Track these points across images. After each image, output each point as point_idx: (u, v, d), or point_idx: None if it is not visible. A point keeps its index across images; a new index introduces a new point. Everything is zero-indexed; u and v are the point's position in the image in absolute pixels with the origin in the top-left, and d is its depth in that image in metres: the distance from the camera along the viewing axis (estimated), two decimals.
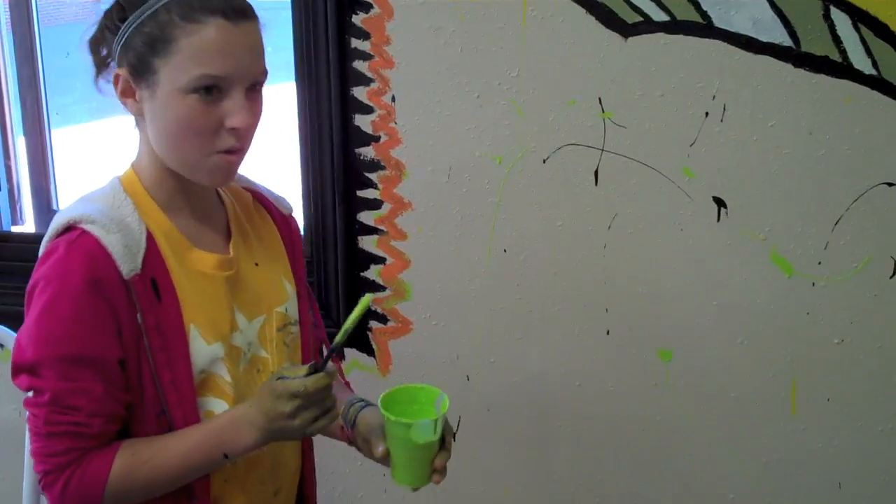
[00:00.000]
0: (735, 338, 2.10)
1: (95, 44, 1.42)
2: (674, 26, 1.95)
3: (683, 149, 2.01)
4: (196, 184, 1.43)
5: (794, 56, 1.91)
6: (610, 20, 1.97)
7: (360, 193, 2.19)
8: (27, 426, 1.37)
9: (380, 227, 2.20)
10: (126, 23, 1.34)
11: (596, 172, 2.07)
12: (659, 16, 1.95)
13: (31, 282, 1.35)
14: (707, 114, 1.98)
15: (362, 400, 1.57)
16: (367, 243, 2.22)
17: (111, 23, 1.37)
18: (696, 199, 2.04)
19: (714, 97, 1.97)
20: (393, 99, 2.11)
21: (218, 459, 1.39)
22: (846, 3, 1.86)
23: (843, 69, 1.90)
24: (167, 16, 1.33)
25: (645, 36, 1.97)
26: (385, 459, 1.46)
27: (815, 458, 2.14)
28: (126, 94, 1.37)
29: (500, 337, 2.22)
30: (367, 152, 2.16)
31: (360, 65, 2.11)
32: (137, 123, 1.42)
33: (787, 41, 1.90)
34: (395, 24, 2.07)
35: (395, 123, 2.13)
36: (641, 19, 1.96)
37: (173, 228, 1.43)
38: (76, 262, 1.32)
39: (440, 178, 2.14)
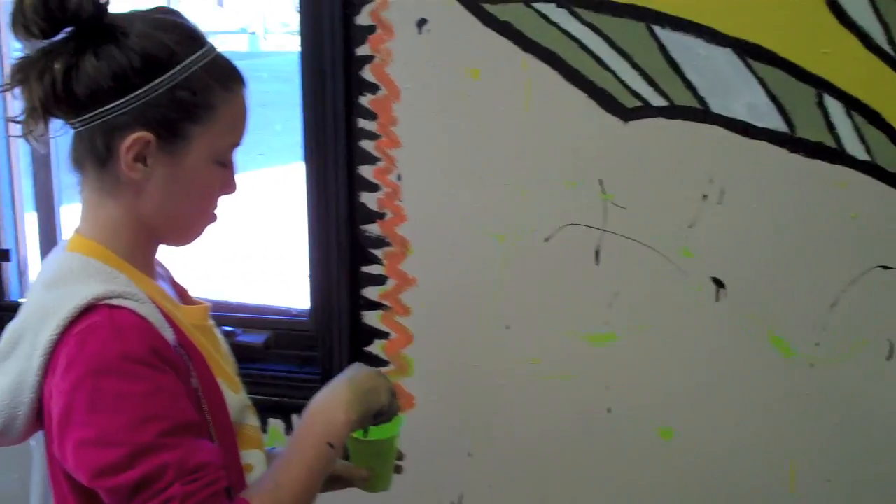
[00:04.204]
0: (734, 417, 2.12)
1: (50, 85, 1.25)
2: (672, 111, 1.99)
3: (682, 230, 2.05)
4: (157, 245, 1.39)
5: (790, 141, 1.95)
6: (610, 105, 2.02)
7: (364, 269, 2.22)
8: None
9: (384, 302, 2.23)
10: (154, 83, 1.26)
11: (597, 252, 2.10)
12: (657, 101, 2.00)
13: (71, 379, 1.19)
14: (705, 196, 2.02)
15: None
16: (371, 318, 2.25)
17: (114, 81, 1.25)
18: (694, 280, 2.07)
19: (712, 180, 2.01)
20: (399, 177, 2.16)
21: (328, 452, 1.32)
22: (839, 91, 1.90)
23: (837, 155, 1.94)
24: (206, 82, 1.29)
25: (644, 120, 2.02)
26: (366, 479, 1.55)
27: None
28: (138, 158, 1.27)
29: (502, 413, 2.23)
30: (373, 229, 2.19)
31: (366, 144, 2.15)
32: (106, 190, 1.31)
33: (782, 127, 1.95)
34: (401, 105, 2.12)
35: (401, 201, 2.17)
36: (641, 104, 2.01)
37: (160, 290, 1.38)
38: (129, 337, 1.21)
39: (444, 255, 2.18)
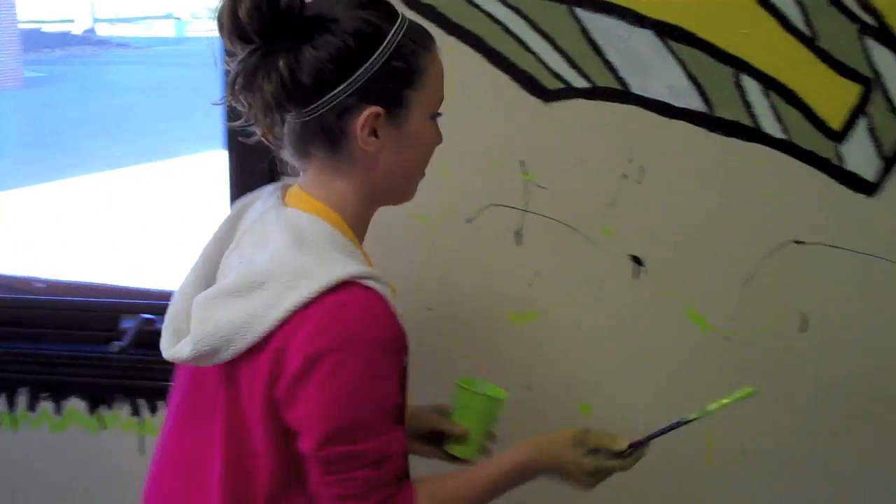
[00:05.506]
0: (651, 391, 2.17)
1: (281, 87, 1.33)
2: (593, 92, 2.02)
3: (602, 209, 2.09)
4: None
5: (708, 120, 2.00)
6: (532, 86, 2.04)
7: None
8: (330, 492, 1.37)
9: None
10: (371, 60, 1.34)
11: (518, 232, 2.12)
12: (579, 82, 2.02)
13: (321, 345, 1.30)
14: (625, 175, 2.06)
15: None
16: None
17: (335, 64, 1.33)
18: (613, 258, 2.11)
19: (631, 160, 2.05)
20: None
21: (507, 488, 1.54)
22: (756, 71, 1.95)
23: (754, 133, 1.99)
24: (412, 47, 1.37)
25: (565, 101, 2.04)
26: (459, 436, 1.69)
27: None
28: (371, 132, 1.37)
29: (423, 394, 2.23)
30: None
31: None
32: (336, 169, 1.41)
33: (701, 107, 1.99)
34: None
35: None
36: (562, 86, 2.03)
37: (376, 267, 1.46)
38: (381, 323, 1.34)
39: (367, 237, 2.17)
